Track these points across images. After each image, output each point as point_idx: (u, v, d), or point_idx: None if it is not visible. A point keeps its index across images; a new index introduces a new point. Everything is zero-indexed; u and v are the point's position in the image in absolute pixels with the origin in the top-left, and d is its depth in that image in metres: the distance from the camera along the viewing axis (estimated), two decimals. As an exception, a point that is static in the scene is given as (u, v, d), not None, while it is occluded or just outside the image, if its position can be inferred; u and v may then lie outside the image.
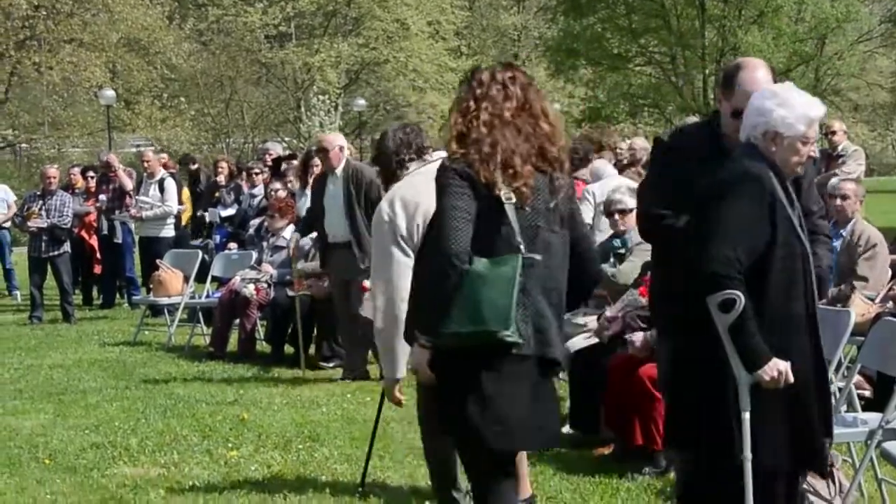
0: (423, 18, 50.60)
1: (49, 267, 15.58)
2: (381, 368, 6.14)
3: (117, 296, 17.40)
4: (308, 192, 12.02)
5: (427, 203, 4.94)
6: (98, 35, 42.73)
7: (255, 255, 12.92)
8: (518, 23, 55.98)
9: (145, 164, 16.63)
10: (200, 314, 13.23)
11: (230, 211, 16.07)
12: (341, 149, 10.81)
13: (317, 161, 12.19)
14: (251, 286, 12.22)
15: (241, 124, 52.27)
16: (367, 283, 9.39)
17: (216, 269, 13.47)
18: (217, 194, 16.69)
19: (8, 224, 18.38)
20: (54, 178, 15.94)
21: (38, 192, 15.74)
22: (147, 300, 14.33)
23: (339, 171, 10.68)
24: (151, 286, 14.03)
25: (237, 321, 12.38)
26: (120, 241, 16.75)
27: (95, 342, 13.75)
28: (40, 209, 15.40)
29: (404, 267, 5.36)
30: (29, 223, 15.46)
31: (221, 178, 16.95)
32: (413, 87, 50.59)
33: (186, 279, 13.50)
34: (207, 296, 13.67)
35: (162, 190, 16.19)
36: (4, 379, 11.40)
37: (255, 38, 49.00)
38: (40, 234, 15.44)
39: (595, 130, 43.12)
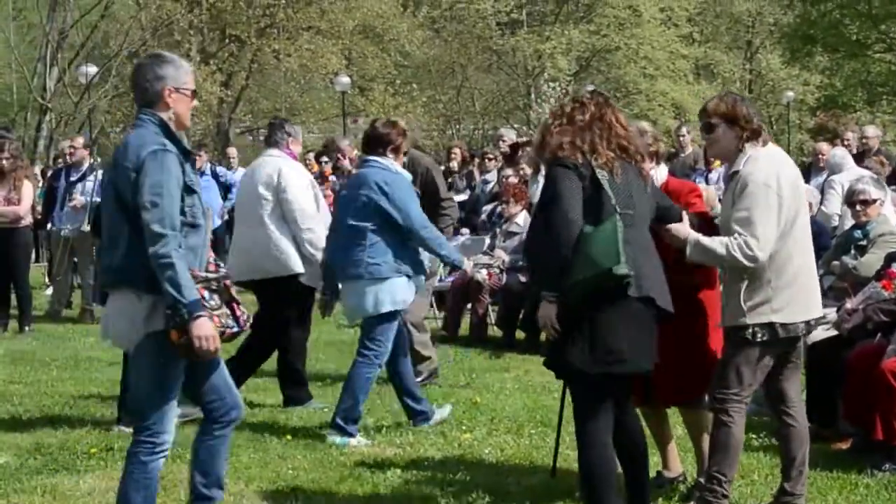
0: (656, 5, 50.15)
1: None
2: None
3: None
4: (540, 178, 12.02)
5: None
6: (335, 23, 43.69)
7: (487, 240, 13.04)
8: (752, 9, 54.83)
9: (339, 150, 16.95)
10: (433, 298, 13.39)
11: (462, 196, 16.24)
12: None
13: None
14: (484, 271, 12.35)
15: (472, 111, 52.70)
16: None
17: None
18: (450, 180, 16.88)
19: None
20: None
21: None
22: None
23: None
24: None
25: (469, 306, 12.52)
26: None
27: (331, 323, 14.04)
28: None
29: None
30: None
31: (454, 164, 17.16)
32: (644, 75, 50.11)
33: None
34: (440, 280, 13.83)
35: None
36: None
37: (487, 25, 49.28)
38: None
39: (830, 118, 42.09)
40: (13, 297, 13.82)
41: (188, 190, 5.42)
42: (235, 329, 5.55)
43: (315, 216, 9.16)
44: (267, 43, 43.02)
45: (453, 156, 17.36)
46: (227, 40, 44.83)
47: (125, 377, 8.11)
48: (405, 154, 9.46)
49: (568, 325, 5.62)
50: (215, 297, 5.46)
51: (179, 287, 5.19)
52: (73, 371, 10.98)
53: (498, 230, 12.86)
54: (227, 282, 5.59)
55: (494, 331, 12.53)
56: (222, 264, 5.70)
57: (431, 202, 9.67)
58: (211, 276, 5.48)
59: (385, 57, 46.72)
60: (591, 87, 6.43)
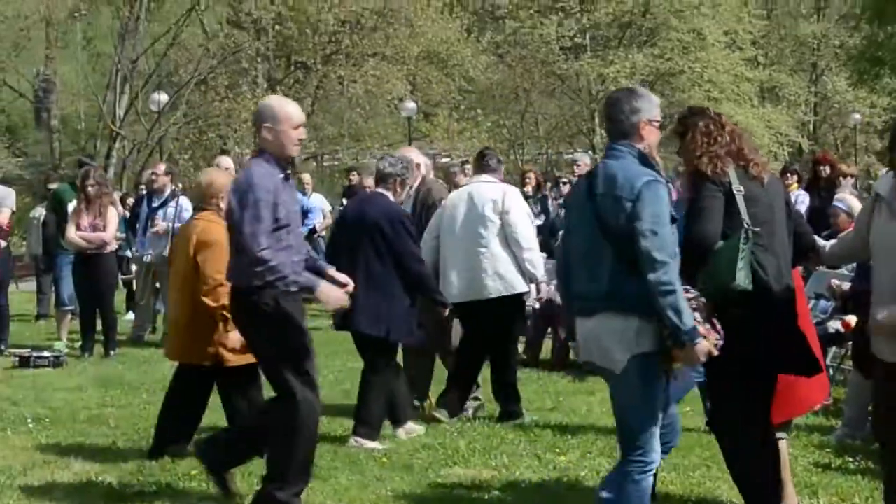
0: (720, 28, 49.86)
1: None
2: None
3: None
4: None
5: None
6: (399, 49, 43.84)
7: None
8: (818, 31, 54.55)
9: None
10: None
11: (538, 221, 16.28)
12: (417, 166, 9.99)
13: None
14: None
15: (535, 135, 52.72)
16: None
17: (529, 279, 13.66)
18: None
19: (324, 231, 19.12)
20: (368, 187, 16.49)
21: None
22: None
23: (412, 191, 9.95)
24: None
25: (550, 330, 12.56)
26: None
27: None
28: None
29: None
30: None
31: (529, 189, 17.21)
32: (708, 98, 49.71)
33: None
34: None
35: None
36: (330, 381, 11.85)
37: (551, 51, 49.23)
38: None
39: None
40: (98, 322, 14.00)
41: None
42: (722, 342, 5.73)
43: (534, 238, 9.82)
44: (332, 69, 43.27)
45: (527, 180, 17.42)
46: (292, 67, 45.19)
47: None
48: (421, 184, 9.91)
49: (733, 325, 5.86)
50: (696, 314, 5.64)
51: (680, 313, 5.46)
52: (162, 395, 11.08)
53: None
54: (702, 299, 5.79)
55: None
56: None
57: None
58: (690, 296, 5.67)
59: (449, 82, 46.80)
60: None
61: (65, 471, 8.02)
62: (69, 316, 14.81)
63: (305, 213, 17.61)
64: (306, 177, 19.50)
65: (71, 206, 14.35)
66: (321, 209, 19.34)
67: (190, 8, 42.38)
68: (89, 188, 13.76)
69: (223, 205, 7.79)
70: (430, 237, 9.81)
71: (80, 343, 14.26)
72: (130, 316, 16.62)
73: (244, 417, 7.93)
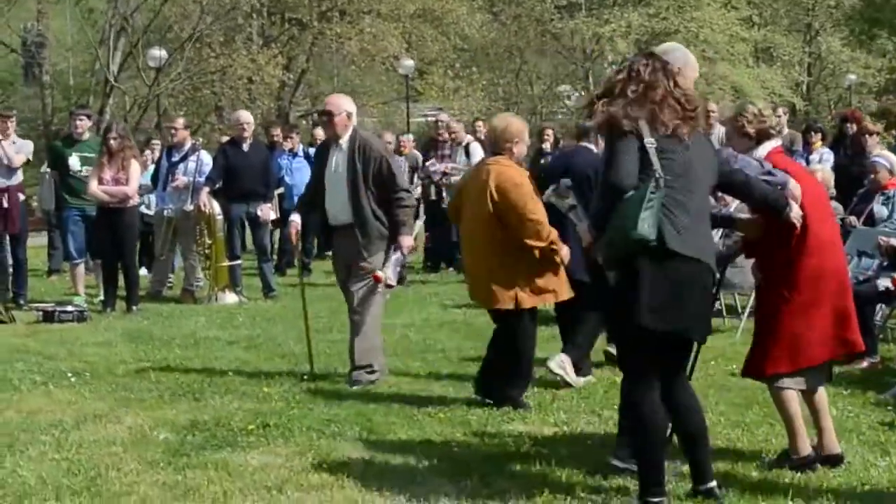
0: (716, -13, 49.72)
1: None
2: None
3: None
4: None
5: None
6: (395, 6, 43.51)
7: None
8: (812, -9, 54.36)
9: (452, 133, 16.93)
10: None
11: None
12: (349, 115, 9.36)
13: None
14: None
15: (530, 94, 52.48)
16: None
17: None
18: (542, 161, 16.81)
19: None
20: (389, 143, 16.40)
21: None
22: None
23: (343, 141, 9.27)
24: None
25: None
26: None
27: (436, 304, 14.08)
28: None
29: None
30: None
31: (547, 146, 17.10)
32: (703, 58, 49.54)
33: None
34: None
35: (468, 154, 16.47)
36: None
37: (546, 9, 48.99)
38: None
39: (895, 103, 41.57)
40: (120, 277, 13.84)
41: None
42: None
43: None
44: (328, 26, 42.90)
45: (546, 137, 17.25)
46: (287, 24, 44.82)
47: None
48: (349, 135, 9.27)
49: (622, 283, 5.80)
50: None
51: None
52: (197, 350, 10.98)
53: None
54: None
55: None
56: None
57: (387, 192, 9.18)
58: None
59: (444, 40, 46.49)
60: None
61: (118, 425, 7.89)
62: (82, 269, 14.60)
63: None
64: (318, 131, 19.23)
65: (72, 160, 14.13)
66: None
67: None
68: (111, 141, 13.58)
69: (516, 150, 8.28)
70: None
71: (98, 298, 14.13)
72: (143, 271, 16.43)
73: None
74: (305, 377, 9.42)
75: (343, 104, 9.39)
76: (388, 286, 9.32)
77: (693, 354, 6.36)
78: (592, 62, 50.26)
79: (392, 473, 6.66)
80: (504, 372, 8.48)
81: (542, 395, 8.71)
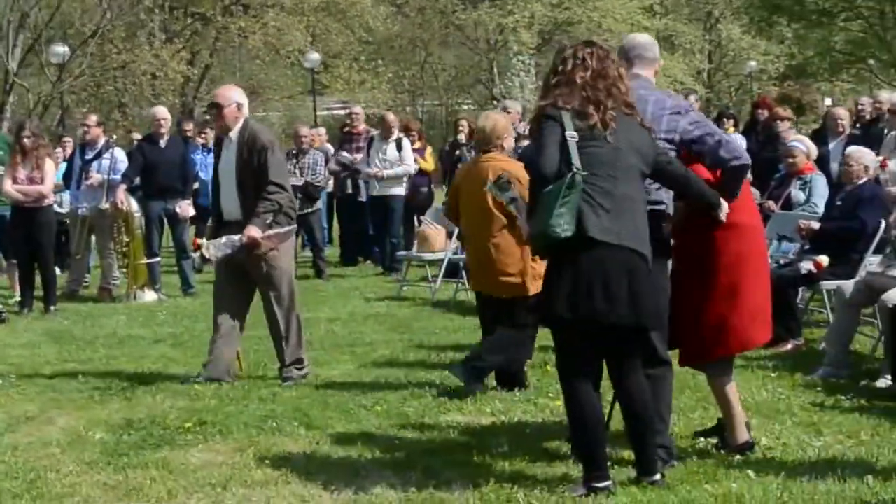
0: (618, -23, 50.15)
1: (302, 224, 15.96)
2: None
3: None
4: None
5: None
6: (299, 0, 43.36)
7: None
8: (712, -20, 55.03)
9: (388, 124, 16.80)
10: (464, 270, 13.39)
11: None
12: (239, 106, 9.00)
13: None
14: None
15: (435, 86, 52.56)
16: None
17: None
18: (458, 152, 16.86)
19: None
20: (306, 137, 16.33)
21: (293, 151, 16.09)
22: (412, 255, 14.56)
23: (234, 133, 8.95)
24: (416, 242, 14.34)
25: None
26: (364, 199, 17.07)
27: (358, 297, 14.07)
28: (295, 167, 15.76)
29: None
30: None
31: (462, 137, 17.12)
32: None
33: (450, 235, 13.69)
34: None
35: (400, 149, 16.42)
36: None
37: (449, 0, 49.12)
38: (294, 192, 15.79)
39: (796, 89, 42.39)
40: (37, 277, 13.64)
41: None
42: None
43: None
44: (231, 21, 42.65)
45: (461, 128, 17.29)
46: (190, 19, 44.46)
47: None
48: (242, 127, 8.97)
49: (548, 273, 5.95)
50: None
51: None
52: (122, 349, 10.87)
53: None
54: None
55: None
56: None
57: (258, 183, 8.87)
58: None
59: (349, 33, 46.48)
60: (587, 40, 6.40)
61: (51, 426, 7.79)
62: (-3, 270, 14.41)
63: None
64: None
65: (-15, 160, 13.94)
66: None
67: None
68: (25, 140, 13.36)
69: (506, 145, 8.65)
70: None
71: (12, 298, 13.93)
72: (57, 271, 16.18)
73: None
74: (237, 374, 9.34)
75: (233, 95, 9.06)
76: (204, 259, 9.10)
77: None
78: (497, 53, 50.50)
79: (335, 467, 6.63)
80: (507, 353, 8.62)
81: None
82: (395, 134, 16.49)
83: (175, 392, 8.75)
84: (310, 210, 15.87)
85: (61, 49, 36.23)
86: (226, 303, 9.18)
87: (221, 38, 43.48)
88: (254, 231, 8.83)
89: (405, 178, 16.58)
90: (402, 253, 15.33)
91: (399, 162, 16.23)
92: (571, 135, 5.76)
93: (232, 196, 9.00)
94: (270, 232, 8.93)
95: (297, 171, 15.75)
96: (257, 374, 9.48)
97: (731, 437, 6.70)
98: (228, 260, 9.01)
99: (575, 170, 5.67)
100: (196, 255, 9.08)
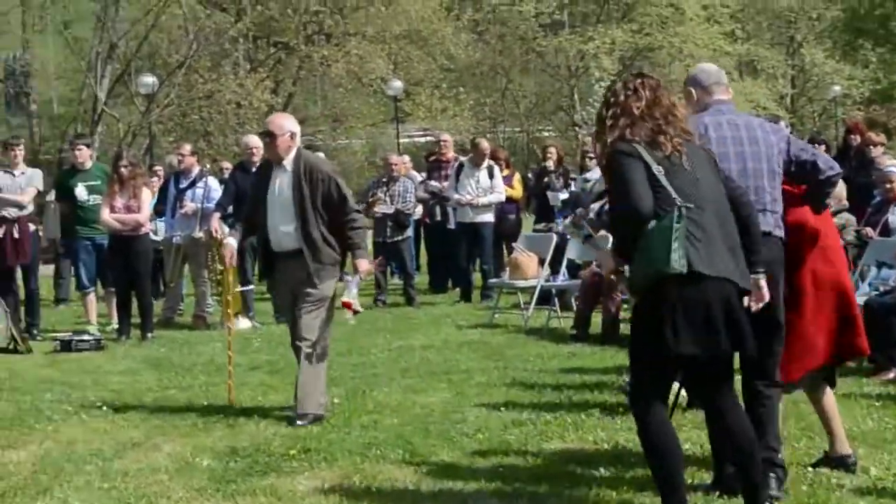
0: (698, 2, 49.96)
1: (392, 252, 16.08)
2: None
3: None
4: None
5: None
6: (381, 28, 43.65)
7: (611, 238, 12.97)
8: (794, 5, 54.59)
9: (481, 151, 16.79)
10: (556, 297, 13.43)
11: (563, 195, 16.23)
12: (292, 135, 8.89)
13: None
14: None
15: (516, 113, 52.65)
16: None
17: (571, 252, 13.60)
18: (546, 179, 16.87)
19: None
20: (396, 164, 16.43)
21: (384, 179, 16.20)
22: (504, 283, 14.57)
23: (287, 162, 8.83)
24: (508, 268, 14.36)
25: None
26: (453, 226, 17.10)
27: (450, 324, 14.10)
28: (385, 195, 15.88)
29: None
30: (374, 209, 15.95)
31: (550, 164, 17.12)
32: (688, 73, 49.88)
33: (542, 262, 13.70)
34: (557, 279, 13.86)
35: (491, 176, 16.43)
36: (384, 358, 11.77)
37: (530, 27, 49.24)
38: (385, 220, 15.94)
39: (882, 114, 41.98)
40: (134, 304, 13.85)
41: None
42: None
43: None
44: (314, 49, 43.03)
45: (549, 154, 17.30)
46: (274, 48, 44.93)
47: None
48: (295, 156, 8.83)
49: (647, 308, 5.79)
50: None
51: None
52: (220, 375, 10.93)
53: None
54: None
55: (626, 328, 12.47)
56: None
57: (338, 215, 8.82)
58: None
59: (430, 61, 46.68)
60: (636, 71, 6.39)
61: (157, 452, 7.89)
62: (94, 298, 14.59)
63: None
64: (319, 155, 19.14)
65: (79, 190, 14.14)
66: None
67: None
68: (122, 169, 13.60)
69: None
70: None
71: (110, 326, 14.13)
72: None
73: None
74: (336, 401, 9.40)
75: (286, 124, 8.94)
76: (355, 312, 9.00)
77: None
78: (577, 79, 50.50)
79: (443, 496, 6.67)
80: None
81: (577, 414, 8.72)
82: (487, 161, 16.50)
83: (276, 419, 8.84)
84: (400, 238, 15.99)
85: (150, 80, 36.71)
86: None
87: (304, 66, 43.84)
88: (366, 263, 8.96)
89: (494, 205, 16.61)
90: (495, 280, 15.31)
91: (491, 189, 16.25)
92: (659, 169, 5.69)
93: (286, 227, 8.78)
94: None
95: (388, 199, 15.88)
96: (356, 400, 9.52)
97: (831, 449, 6.81)
98: (287, 290, 8.98)
99: (679, 203, 5.61)
100: (350, 318, 8.99)
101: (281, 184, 8.82)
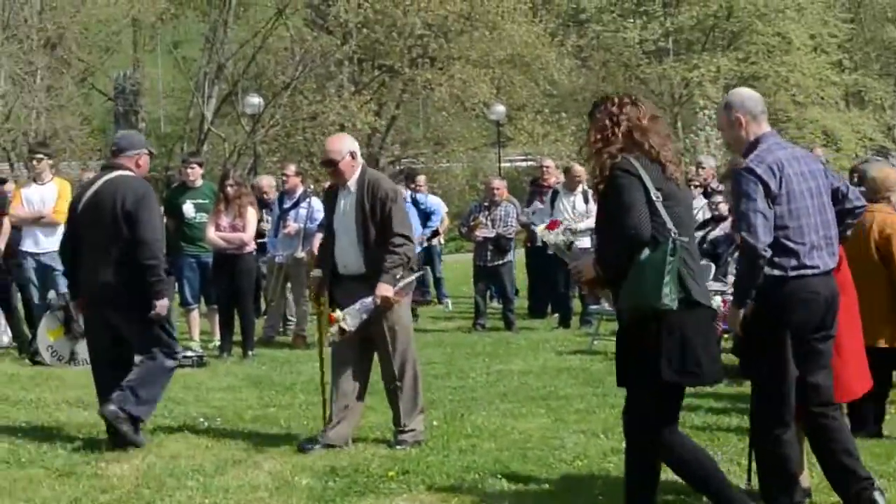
0: (806, 32, 49.47)
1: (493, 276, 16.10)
2: None
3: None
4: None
5: None
6: (484, 52, 43.76)
7: (713, 266, 12.89)
8: (904, 35, 53.97)
9: (573, 176, 16.70)
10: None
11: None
12: (353, 155, 8.59)
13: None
14: (717, 298, 12.15)
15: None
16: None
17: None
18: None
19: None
20: (498, 189, 16.44)
21: (485, 203, 16.23)
22: (604, 309, 14.48)
23: (352, 183, 8.55)
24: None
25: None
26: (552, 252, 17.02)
27: (549, 350, 14.06)
28: (487, 219, 15.90)
29: None
30: (476, 233, 15.99)
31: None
32: (794, 102, 49.44)
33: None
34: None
35: (587, 201, 16.33)
36: (483, 382, 11.78)
37: (634, 54, 49.08)
38: (486, 244, 15.97)
39: None
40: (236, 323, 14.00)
41: None
42: None
43: None
44: (418, 73, 43.27)
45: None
46: (378, 70, 45.26)
47: None
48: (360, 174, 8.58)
49: (643, 337, 5.78)
50: None
51: None
52: (319, 395, 10.99)
53: (729, 258, 12.67)
54: None
55: (731, 358, 12.33)
56: None
57: (382, 234, 8.47)
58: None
59: (533, 86, 46.68)
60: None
61: (257, 470, 7.95)
62: (197, 314, 14.77)
63: (429, 216, 17.46)
64: (421, 178, 19.23)
65: (186, 207, 14.32)
66: (439, 213, 19.13)
67: (278, 12, 42.55)
68: (228, 188, 13.78)
69: (893, 199, 8.67)
70: None
71: (211, 343, 14.29)
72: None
73: None
74: (435, 423, 9.41)
75: (343, 147, 8.61)
76: (342, 331, 8.38)
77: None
78: (681, 107, 50.18)
79: (543, 522, 6.66)
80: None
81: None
82: (582, 186, 16.40)
83: (375, 440, 8.87)
84: (500, 262, 16.01)
85: (256, 100, 37.23)
86: (346, 366, 8.73)
87: (408, 89, 44.10)
88: (385, 289, 8.34)
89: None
90: (595, 306, 15.22)
91: (587, 214, 16.15)
92: (657, 195, 5.67)
93: (352, 249, 8.51)
94: (399, 285, 8.48)
95: (489, 223, 15.90)
96: (454, 424, 9.52)
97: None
98: None
99: (674, 236, 5.60)
100: (334, 331, 8.53)
101: (346, 205, 8.58)
